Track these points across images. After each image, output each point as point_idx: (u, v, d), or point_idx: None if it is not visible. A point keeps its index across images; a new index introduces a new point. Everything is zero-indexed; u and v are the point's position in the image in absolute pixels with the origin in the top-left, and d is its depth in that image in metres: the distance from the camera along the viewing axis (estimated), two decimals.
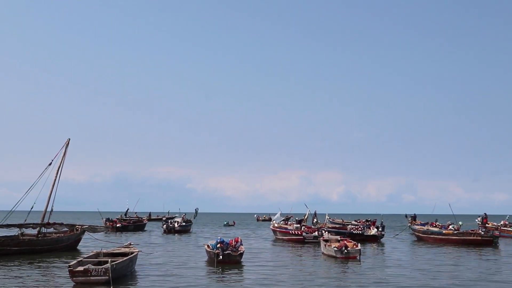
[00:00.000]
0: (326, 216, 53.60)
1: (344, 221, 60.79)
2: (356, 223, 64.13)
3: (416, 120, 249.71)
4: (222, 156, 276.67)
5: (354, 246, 24.76)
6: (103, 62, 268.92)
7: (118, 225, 51.76)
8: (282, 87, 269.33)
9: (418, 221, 51.82)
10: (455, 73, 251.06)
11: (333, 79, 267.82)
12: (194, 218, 58.06)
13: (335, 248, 24.29)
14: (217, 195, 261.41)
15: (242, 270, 19.69)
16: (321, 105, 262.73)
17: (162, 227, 50.98)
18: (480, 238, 34.06)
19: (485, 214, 49.51)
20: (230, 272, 18.91)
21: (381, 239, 36.60)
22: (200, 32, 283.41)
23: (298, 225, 37.23)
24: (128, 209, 61.27)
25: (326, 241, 27.33)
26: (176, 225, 50.08)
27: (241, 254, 21.80)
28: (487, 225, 47.86)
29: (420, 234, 39.72)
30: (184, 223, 51.59)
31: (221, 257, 20.91)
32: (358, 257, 23.83)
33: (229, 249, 21.94)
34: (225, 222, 74.21)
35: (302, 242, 34.29)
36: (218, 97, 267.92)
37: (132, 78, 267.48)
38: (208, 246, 23.30)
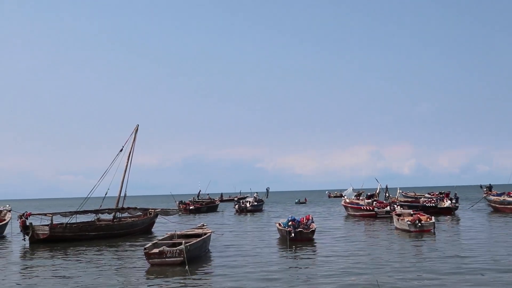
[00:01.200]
0: (398, 190, 52.52)
1: (417, 194, 59.60)
2: (429, 196, 63.10)
3: (486, 89, 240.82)
4: (290, 135, 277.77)
5: (428, 219, 24.30)
6: (165, 52, 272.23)
7: (191, 207, 52.66)
8: (345, 65, 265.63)
9: (494, 192, 50.28)
10: None
11: (395, 51, 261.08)
12: (266, 197, 58.45)
13: (409, 222, 23.92)
14: (287, 174, 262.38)
15: (315, 247, 19.74)
16: (386, 78, 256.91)
17: (234, 207, 51.78)
18: None
19: None
20: (302, 249, 18.97)
21: (455, 211, 35.67)
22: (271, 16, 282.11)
23: (370, 200, 36.84)
24: (200, 191, 62.33)
25: (399, 215, 26.94)
26: (248, 205, 50.74)
27: (313, 231, 21.80)
28: None
29: (497, 205, 38.57)
30: (256, 203, 52.16)
31: (293, 234, 20.99)
32: (432, 230, 23.46)
33: (301, 226, 22.00)
34: (297, 200, 74.40)
35: (374, 217, 33.95)
36: (285, 78, 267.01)
37: (200, 65, 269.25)
38: (279, 224, 23.45)
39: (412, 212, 26.51)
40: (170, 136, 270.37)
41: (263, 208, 54.17)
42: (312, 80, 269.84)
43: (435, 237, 22.00)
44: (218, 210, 56.25)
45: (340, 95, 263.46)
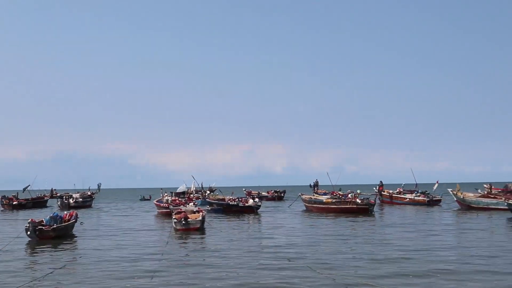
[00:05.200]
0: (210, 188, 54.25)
1: (253, 192, 61.13)
2: (266, 194, 64.91)
3: (353, 93, 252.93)
4: (164, 131, 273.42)
5: (197, 217, 24.47)
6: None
7: (14, 202, 50.42)
8: (222, 63, 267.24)
9: (322, 190, 52.20)
10: (396, 44, 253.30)
11: (272, 50, 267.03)
12: (97, 193, 57.38)
13: (175, 220, 24.00)
14: (160, 170, 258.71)
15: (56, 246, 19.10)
16: (260, 76, 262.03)
17: (57, 203, 50.27)
18: (355, 206, 34.15)
19: (381, 182, 50.12)
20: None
21: (258, 210, 36.33)
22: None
23: (169, 198, 36.98)
24: (28, 186, 59.43)
25: (178, 213, 26.92)
26: (71, 201, 49.39)
27: (55, 230, 21.07)
28: (383, 192, 48.74)
29: (306, 204, 39.77)
30: (81, 199, 50.83)
31: (29, 232, 20.30)
32: (199, 227, 23.64)
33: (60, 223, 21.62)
34: (141, 197, 73.40)
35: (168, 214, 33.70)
36: (157, 71, 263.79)
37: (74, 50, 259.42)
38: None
39: (181, 210, 26.58)
40: (40, 129, 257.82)
41: (92, 205, 52.97)
42: (186, 76, 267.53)
43: (204, 235, 22.23)
44: (48, 205, 54.19)
45: (215, 93, 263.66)
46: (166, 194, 40.92)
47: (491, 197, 37.20)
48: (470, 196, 38.56)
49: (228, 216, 32.83)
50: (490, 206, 35.53)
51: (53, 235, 20.66)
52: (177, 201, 35.54)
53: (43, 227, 20.76)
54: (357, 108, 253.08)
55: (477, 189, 41.20)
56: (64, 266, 13.73)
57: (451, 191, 40.26)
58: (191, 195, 46.17)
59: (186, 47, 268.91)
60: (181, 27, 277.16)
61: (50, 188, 66.71)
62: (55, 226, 21.18)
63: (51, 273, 12.72)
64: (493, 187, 39.81)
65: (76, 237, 21.90)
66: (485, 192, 39.27)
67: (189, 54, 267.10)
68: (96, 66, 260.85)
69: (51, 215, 22.55)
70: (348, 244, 17.76)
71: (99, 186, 57.70)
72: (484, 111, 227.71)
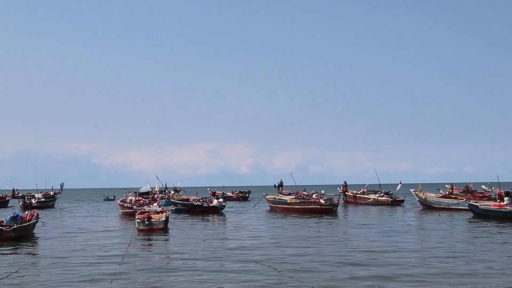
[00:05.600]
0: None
1: (217, 192, 61.05)
2: (231, 194, 64.99)
3: (322, 92, 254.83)
4: (127, 130, 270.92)
5: (159, 218, 24.27)
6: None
7: None
8: (186, 59, 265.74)
9: (286, 191, 52.34)
10: (356, 45, 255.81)
11: (232, 49, 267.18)
12: (59, 193, 56.61)
13: (138, 220, 23.75)
14: (125, 170, 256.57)
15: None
16: (224, 76, 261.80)
17: (19, 203, 49.40)
18: (319, 207, 34.42)
19: (345, 182, 50.73)
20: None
21: (222, 210, 36.27)
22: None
23: (133, 198, 36.70)
24: None
25: (142, 213, 26.61)
26: (33, 201, 48.69)
27: (15, 230, 20.56)
28: (347, 193, 49.22)
29: (270, 204, 39.90)
30: (43, 199, 50.22)
31: None
32: (163, 227, 23.49)
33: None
34: (104, 197, 72.57)
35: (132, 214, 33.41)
36: (121, 70, 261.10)
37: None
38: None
39: (145, 210, 26.32)
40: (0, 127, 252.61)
41: (55, 205, 52.29)
42: (151, 76, 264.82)
43: (167, 234, 22.14)
44: (10, 205, 53.17)
45: (180, 92, 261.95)
46: (130, 194, 40.61)
47: (452, 198, 37.89)
48: (431, 196, 39.20)
49: (193, 217, 32.64)
50: (451, 206, 36.20)
51: (13, 236, 20.18)
52: (141, 201, 35.19)
53: (3, 228, 20.26)
54: (322, 109, 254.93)
55: (439, 190, 41.90)
56: (18, 270, 13.25)
57: (413, 191, 40.89)
58: (155, 195, 45.89)
59: (150, 46, 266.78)
60: (148, 21, 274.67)
61: (12, 188, 65.61)
62: (15, 227, 20.69)
63: (6, 277, 12.35)
64: (454, 187, 40.53)
65: (37, 238, 21.55)
66: (447, 192, 39.94)
67: (154, 52, 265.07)
68: (59, 63, 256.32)
69: (12, 215, 22.09)
70: (312, 245, 17.76)
71: (61, 186, 56.89)
72: (446, 112, 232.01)
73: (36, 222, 23.08)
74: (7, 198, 56.29)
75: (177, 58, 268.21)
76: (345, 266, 13.21)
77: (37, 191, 57.88)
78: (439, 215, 31.58)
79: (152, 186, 52.82)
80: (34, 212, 23.69)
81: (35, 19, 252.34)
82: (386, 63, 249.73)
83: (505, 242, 18.15)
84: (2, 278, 12.21)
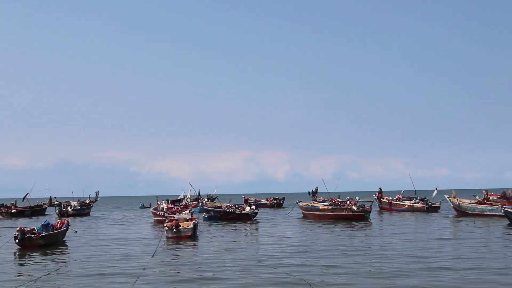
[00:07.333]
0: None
1: (252, 199, 60.92)
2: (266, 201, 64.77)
3: (359, 98, 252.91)
4: (165, 138, 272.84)
5: (188, 225, 24.28)
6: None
7: (13, 210, 50.38)
8: (217, 68, 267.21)
9: (321, 198, 51.98)
10: (394, 50, 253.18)
11: (272, 57, 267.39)
12: (95, 201, 57.24)
13: (166, 228, 23.78)
14: (162, 178, 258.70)
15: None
16: (259, 84, 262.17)
17: (55, 211, 50.07)
18: (351, 213, 34.07)
19: (380, 188, 49.97)
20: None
21: (255, 217, 36.00)
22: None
23: (165, 206, 36.92)
24: (27, 194, 59.27)
25: (170, 221, 26.66)
26: (69, 209, 49.20)
27: (43, 237, 20.88)
28: (382, 199, 48.59)
29: (303, 211, 39.70)
30: (79, 207, 50.69)
31: (17, 240, 20.11)
32: (191, 235, 23.49)
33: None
34: (140, 205, 73.06)
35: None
36: (158, 78, 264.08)
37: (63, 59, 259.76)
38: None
39: (173, 218, 26.39)
40: (40, 136, 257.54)
41: (91, 212, 52.77)
42: (187, 84, 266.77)
43: (197, 240, 22.23)
44: (47, 213, 53.98)
45: (215, 101, 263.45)
46: (163, 201, 40.83)
47: (487, 204, 37.00)
48: (465, 202, 38.45)
49: (224, 223, 32.62)
50: (485, 213, 35.49)
51: (42, 243, 20.55)
52: (173, 209, 35.33)
53: (32, 235, 20.59)
54: (358, 114, 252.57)
55: (475, 196, 40.93)
56: (39, 278, 13.33)
57: (448, 197, 40.13)
58: (187, 203, 46.07)
59: (186, 54, 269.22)
60: (181, 34, 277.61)
61: (49, 196, 66.63)
62: (43, 234, 21.04)
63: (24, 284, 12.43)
64: (490, 193, 39.57)
65: (66, 245, 21.76)
66: (482, 198, 39.04)
67: (190, 62, 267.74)
68: (96, 74, 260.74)
69: (43, 223, 22.67)
70: (345, 255, 16.99)
71: (97, 193, 57.60)
72: (487, 118, 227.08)
73: (67, 229, 23.45)
74: (44, 206, 56.97)
75: (214, 65, 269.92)
76: (377, 279, 12.57)
77: (74, 199, 58.79)
78: (474, 222, 30.56)
79: (186, 194, 53.18)
80: (64, 220, 24.12)
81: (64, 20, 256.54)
82: (425, 68, 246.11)
83: None
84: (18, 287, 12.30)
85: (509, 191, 37.95)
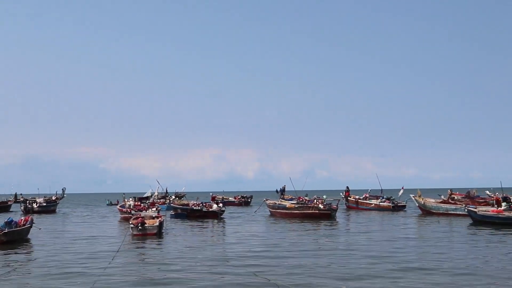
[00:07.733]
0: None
1: (223, 197, 60.95)
2: (233, 199, 64.76)
3: (328, 97, 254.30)
4: (133, 135, 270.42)
5: (153, 223, 24.15)
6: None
7: None
8: (191, 64, 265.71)
9: (289, 196, 52.08)
10: (368, 52, 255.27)
11: (238, 53, 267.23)
12: (62, 198, 56.58)
13: (132, 225, 23.66)
14: (131, 175, 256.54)
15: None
16: (229, 80, 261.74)
17: (20, 208, 49.49)
18: (318, 211, 34.31)
19: (347, 187, 50.48)
20: None
21: (222, 215, 35.98)
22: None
23: (132, 203, 36.77)
24: None
25: (136, 219, 26.46)
26: (35, 205, 48.77)
27: (6, 234, 20.60)
28: (349, 198, 49.03)
29: (270, 209, 39.76)
30: (44, 204, 50.38)
31: None
32: (157, 233, 23.40)
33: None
34: (108, 202, 72.54)
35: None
36: (128, 75, 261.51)
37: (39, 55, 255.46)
38: None
39: (139, 216, 26.21)
40: (6, 132, 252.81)
41: (56, 209, 52.35)
42: (157, 81, 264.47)
43: (162, 239, 22.12)
44: (11, 210, 53.30)
45: (185, 97, 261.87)
46: (130, 199, 40.59)
47: (451, 203, 37.66)
48: (430, 201, 39.13)
49: (192, 221, 32.51)
50: (449, 212, 36.16)
51: (4, 240, 20.38)
52: (140, 206, 35.14)
53: None
54: (328, 113, 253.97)
55: (440, 195, 41.60)
56: None
57: (413, 196, 40.73)
58: (154, 200, 45.90)
59: (160, 51, 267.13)
60: (158, 31, 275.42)
61: (15, 193, 65.69)
62: (6, 231, 20.75)
63: None
64: (455, 193, 40.30)
65: (29, 243, 21.52)
66: (446, 197, 39.72)
67: (162, 59, 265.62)
68: (66, 70, 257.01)
69: (6, 220, 22.37)
70: (311, 256, 16.92)
71: (63, 190, 56.80)
72: (454, 117, 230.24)
73: (30, 227, 23.19)
74: (9, 203, 56.40)
75: (182, 62, 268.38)
76: (344, 281, 12.48)
77: (40, 195, 58.06)
78: (438, 222, 31.05)
79: (153, 191, 52.97)
80: (28, 217, 23.92)
81: (42, 20, 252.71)
82: (392, 68, 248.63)
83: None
84: None
85: (473, 191, 38.74)
